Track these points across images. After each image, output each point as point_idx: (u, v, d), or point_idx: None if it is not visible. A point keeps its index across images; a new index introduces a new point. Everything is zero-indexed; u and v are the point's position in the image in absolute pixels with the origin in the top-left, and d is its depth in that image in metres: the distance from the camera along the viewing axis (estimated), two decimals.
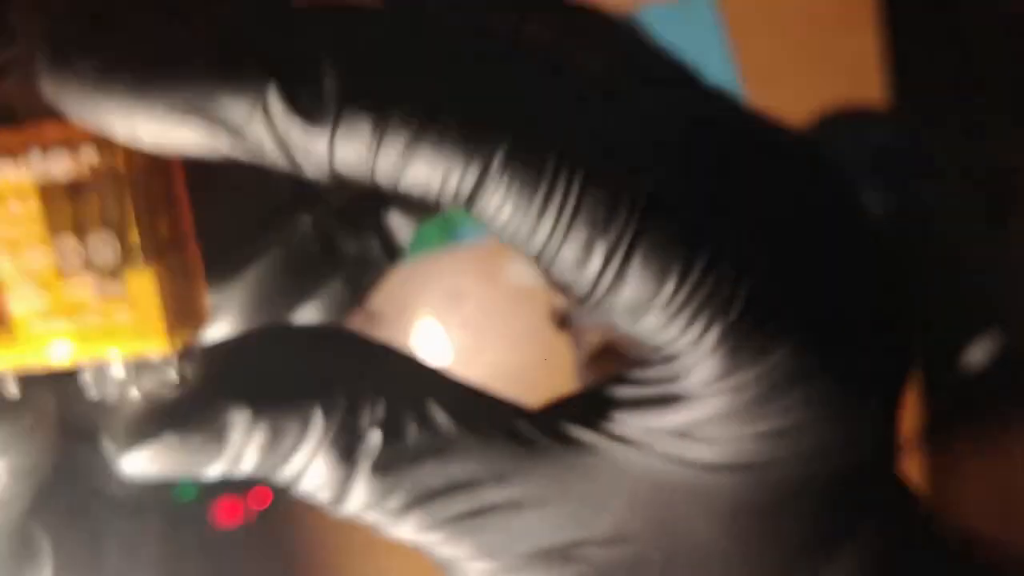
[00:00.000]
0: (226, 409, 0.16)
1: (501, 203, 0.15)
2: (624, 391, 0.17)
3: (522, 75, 0.16)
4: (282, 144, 0.15)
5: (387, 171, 0.15)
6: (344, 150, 0.15)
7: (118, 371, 0.17)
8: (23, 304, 0.16)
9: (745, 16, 0.72)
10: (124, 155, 0.15)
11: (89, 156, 0.15)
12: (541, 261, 0.16)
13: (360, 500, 0.17)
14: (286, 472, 0.17)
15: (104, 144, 0.15)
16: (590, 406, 0.17)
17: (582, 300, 0.16)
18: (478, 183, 0.15)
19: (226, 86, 0.14)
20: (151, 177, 0.16)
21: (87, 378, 0.17)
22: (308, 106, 0.14)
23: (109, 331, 0.16)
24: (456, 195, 0.15)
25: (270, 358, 0.18)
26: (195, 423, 0.16)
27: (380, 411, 0.17)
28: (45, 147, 0.15)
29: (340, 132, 0.14)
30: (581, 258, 0.15)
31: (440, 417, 0.17)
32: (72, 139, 0.15)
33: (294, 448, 0.17)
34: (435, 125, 0.14)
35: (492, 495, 0.17)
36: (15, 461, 0.19)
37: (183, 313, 0.17)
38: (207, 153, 0.15)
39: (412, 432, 0.17)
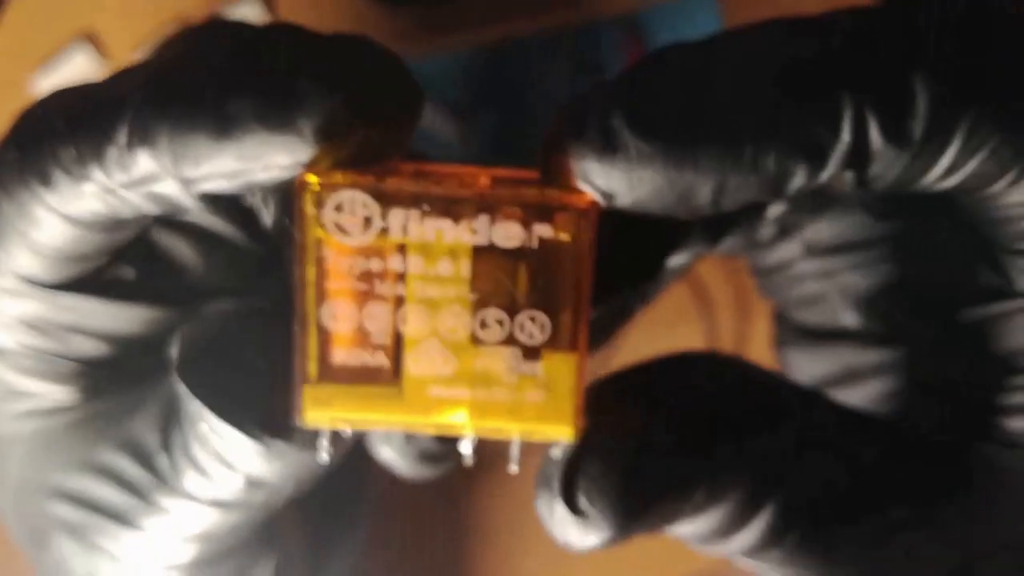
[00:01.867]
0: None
1: None
2: (1011, 398, 0.17)
3: None
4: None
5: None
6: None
7: (512, 449, 0.16)
8: (424, 365, 0.15)
9: (746, 17, 0.71)
10: (579, 235, 0.15)
11: (543, 231, 0.15)
12: None
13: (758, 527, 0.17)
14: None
15: (564, 220, 0.15)
16: (971, 416, 0.17)
17: None
18: None
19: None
20: (590, 259, 0.15)
21: (466, 450, 0.17)
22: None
23: (513, 409, 0.15)
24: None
25: None
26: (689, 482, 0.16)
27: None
28: (495, 212, 0.15)
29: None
30: None
31: (867, 455, 0.17)
32: (536, 206, 0.15)
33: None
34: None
35: (900, 515, 0.16)
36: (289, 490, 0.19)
37: (583, 400, 0.16)
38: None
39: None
